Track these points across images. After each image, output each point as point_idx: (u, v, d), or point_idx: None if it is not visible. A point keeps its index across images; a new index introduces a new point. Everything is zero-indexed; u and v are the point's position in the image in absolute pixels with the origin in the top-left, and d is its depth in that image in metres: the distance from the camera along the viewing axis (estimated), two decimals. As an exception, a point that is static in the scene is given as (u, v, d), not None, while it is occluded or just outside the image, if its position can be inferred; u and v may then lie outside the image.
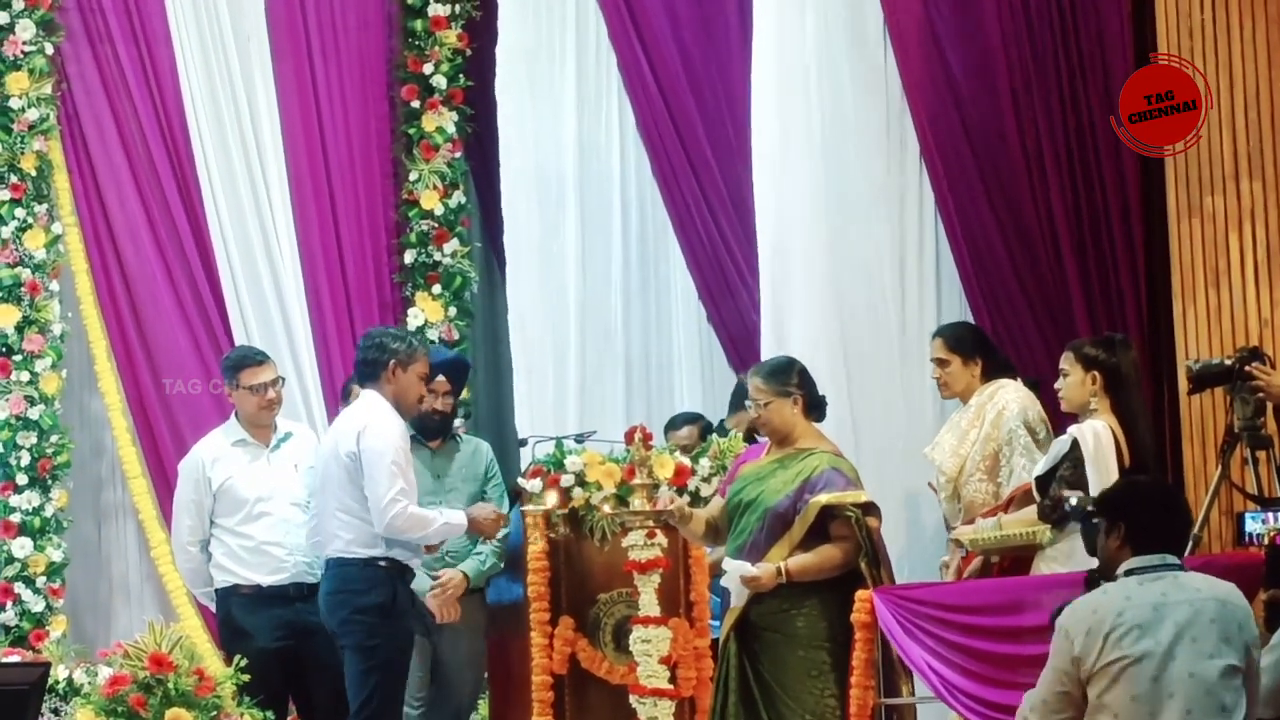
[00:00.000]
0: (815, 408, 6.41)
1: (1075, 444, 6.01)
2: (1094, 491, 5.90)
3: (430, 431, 6.88)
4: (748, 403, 6.40)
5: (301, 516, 6.80)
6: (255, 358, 7.13)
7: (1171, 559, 4.62)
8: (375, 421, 6.41)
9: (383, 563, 6.40)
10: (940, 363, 6.71)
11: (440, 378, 6.79)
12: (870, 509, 6.18)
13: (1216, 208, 6.90)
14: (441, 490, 6.82)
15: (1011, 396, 6.55)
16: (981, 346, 6.74)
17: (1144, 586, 4.56)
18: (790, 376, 6.33)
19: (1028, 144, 7.70)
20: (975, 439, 6.50)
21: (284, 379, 7.23)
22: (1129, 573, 4.61)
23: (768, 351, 7.55)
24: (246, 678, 6.35)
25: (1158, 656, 4.47)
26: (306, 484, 6.84)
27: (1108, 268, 7.60)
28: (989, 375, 6.68)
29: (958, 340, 6.74)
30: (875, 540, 6.18)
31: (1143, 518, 4.66)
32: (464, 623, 6.88)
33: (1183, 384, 6.67)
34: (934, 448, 6.64)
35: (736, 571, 6.06)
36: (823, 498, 6.08)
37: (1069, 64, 7.66)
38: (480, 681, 7.14)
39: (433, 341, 8.20)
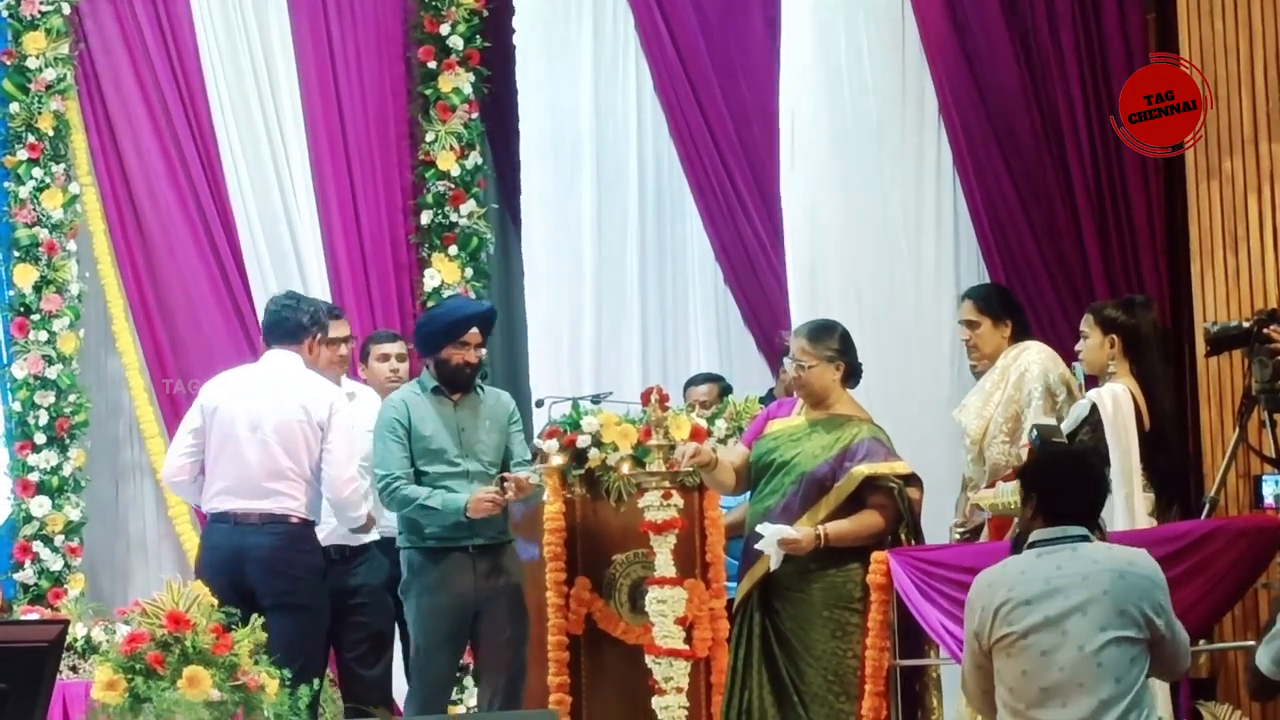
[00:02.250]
0: (854, 375, 6.41)
1: (1094, 408, 6.01)
2: (1113, 456, 5.90)
3: (458, 384, 6.56)
4: (787, 361, 6.39)
5: (357, 478, 6.61)
6: (334, 311, 7.03)
7: (1074, 530, 4.54)
8: (340, 393, 6.55)
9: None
10: (970, 324, 6.62)
11: (474, 330, 6.57)
12: (911, 480, 6.18)
13: (1235, 170, 6.87)
14: (465, 443, 6.52)
15: (1035, 359, 6.49)
16: (1011, 308, 6.67)
17: (1041, 559, 4.50)
18: (838, 343, 6.31)
19: (1045, 106, 7.67)
20: (999, 401, 6.46)
21: (356, 338, 7.19)
22: (1032, 545, 4.56)
23: (798, 314, 7.59)
24: (264, 636, 6.36)
25: (1048, 631, 4.41)
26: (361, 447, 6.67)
27: (1126, 230, 7.59)
28: (1017, 337, 6.63)
29: (988, 302, 6.66)
30: (915, 512, 6.18)
31: (1052, 489, 4.59)
32: (503, 581, 6.52)
33: (1200, 346, 6.65)
34: (960, 410, 6.60)
35: (775, 535, 6.03)
36: (864, 468, 6.07)
37: (1087, 25, 7.63)
38: (525, 640, 6.56)
39: (455, 294, 8.17)
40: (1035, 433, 5.83)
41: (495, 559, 6.46)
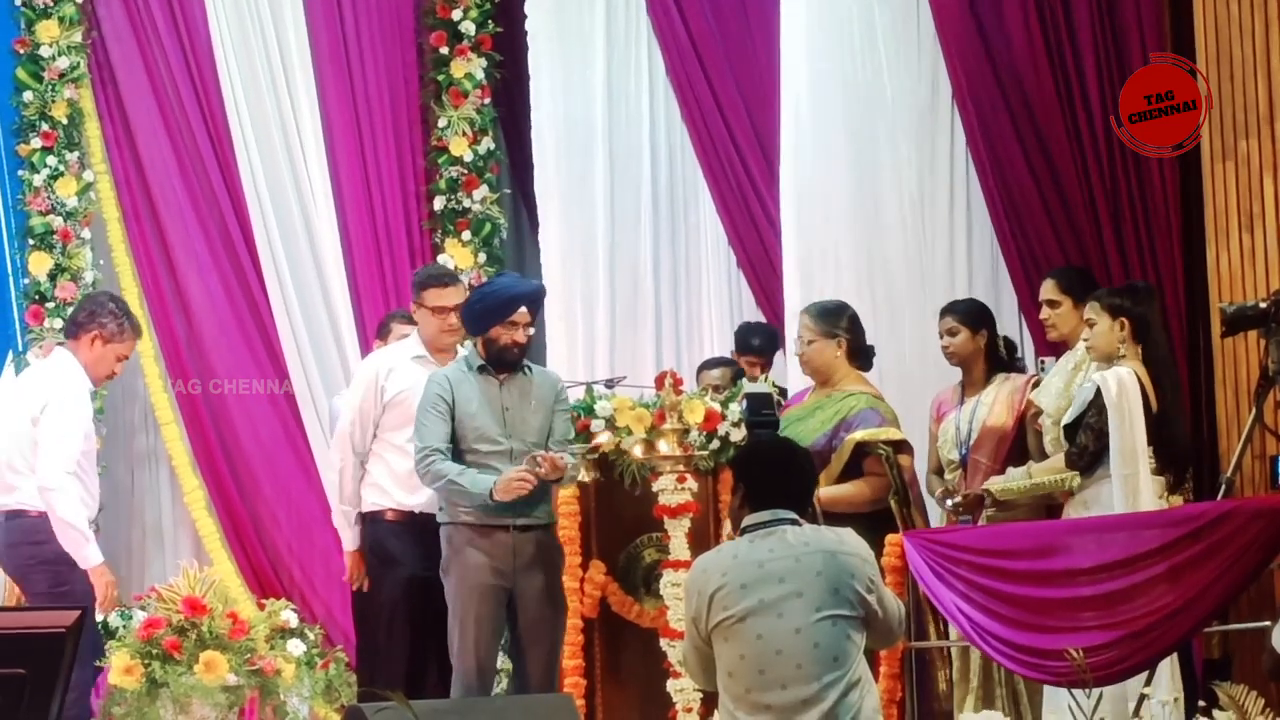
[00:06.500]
0: (860, 355, 6.45)
1: (1099, 391, 6.01)
2: (1114, 438, 5.91)
3: (505, 364, 6.36)
4: (795, 340, 6.43)
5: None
6: (442, 279, 6.73)
7: (784, 514, 4.60)
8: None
9: None
10: (1051, 304, 6.64)
11: (523, 309, 6.36)
12: (903, 447, 6.23)
13: (1251, 151, 6.86)
14: (509, 423, 6.31)
15: None
16: (1091, 290, 6.65)
17: (754, 544, 4.56)
18: (838, 319, 6.39)
19: (1060, 86, 7.66)
20: (1082, 381, 6.46)
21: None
22: (744, 531, 4.62)
23: (790, 295, 7.61)
24: (283, 620, 6.37)
25: (762, 614, 4.47)
26: None
27: (1141, 211, 7.57)
28: None
29: (1071, 282, 6.67)
30: (906, 479, 6.22)
31: (758, 477, 4.66)
32: (542, 562, 6.34)
33: (1216, 327, 6.65)
34: (1040, 391, 6.60)
35: None
36: (858, 434, 6.16)
37: (1102, 4, 7.61)
38: (562, 631, 6.43)
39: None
40: (745, 403, 5.97)
41: (537, 540, 6.30)
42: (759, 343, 7.74)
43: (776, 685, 4.43)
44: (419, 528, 6.54)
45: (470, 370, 6.35)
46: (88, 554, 6.48)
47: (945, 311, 6.89)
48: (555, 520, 6.44)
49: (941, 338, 6.84)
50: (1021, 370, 6.89)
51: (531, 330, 6.42)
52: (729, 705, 4.51)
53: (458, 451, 6.25)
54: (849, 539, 4.63)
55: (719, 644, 4.53)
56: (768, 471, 4.67)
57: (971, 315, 6.82)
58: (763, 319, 8.20)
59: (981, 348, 6.78)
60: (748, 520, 4.62)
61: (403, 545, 6.56)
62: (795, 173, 7.96)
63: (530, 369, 6.43)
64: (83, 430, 6.53)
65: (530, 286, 6.64)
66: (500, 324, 6.30)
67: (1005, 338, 6.97)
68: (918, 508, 6.33)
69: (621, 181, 8.49)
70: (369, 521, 6.67)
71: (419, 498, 6.55)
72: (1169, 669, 5.76)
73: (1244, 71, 6.84)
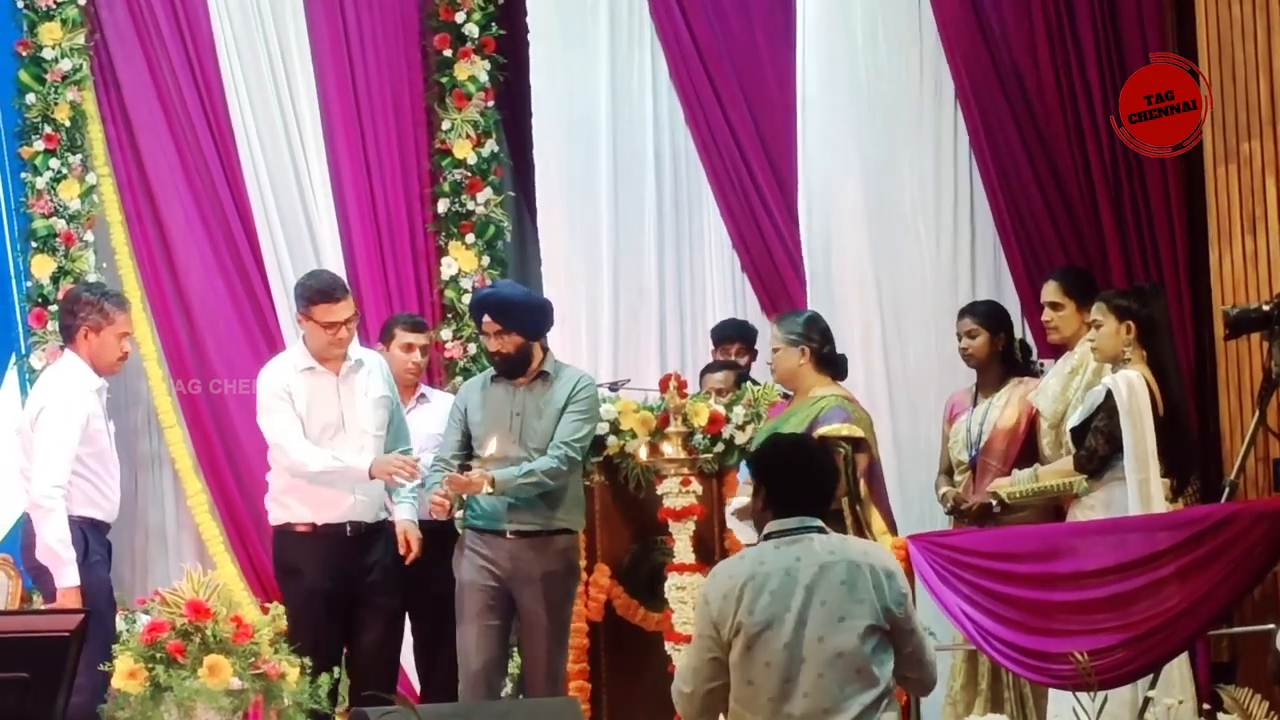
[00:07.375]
0: (828, 363, 6.45)
1: (1109, 394, 6.01)
2: (1127, 442, 5.90)
3: (502, 371, 6.44)
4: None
5: (371, 448, 6.50)
6: (332, 294, 6.54)
7: (811, 521, 4.55)
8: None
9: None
10: (1054, 305, 6.65)
11: (485, 318, 6.41)
12: (861, 446, 6.24)
13: (1253, 153, 6.86)
14: (514, 429, 6.37)
15: None
16: (1094, 294, 6.64)
17: (779, 551, 4.51)
18: (801, 327, 6.41)
19: (1063, 88, 7.66)
20: (1078, 385, 6.46)
21: (358, 315, 6.79)
22: (768, 536, 4.57)
23: (813, 301, 7.63)
24: (283, 627, 6.36)
25: (788, 622, 4.42)
26: (377, 415, 6.55)
27: (1144, 213, 7.57)
28: None
29: (1075, 285, 6.67)
30: (859, 476, 6.23)
31: (780, 480, 4.60)
32: (540, 569, 6.37)
33: (1219, 330, 6.64)
34: (1038, 394, 6.60)
35: (732, 511, 6.16)
36: (820, 430, 6.18)
37: (1104, 7, 7.61)
38: (561, 638, 6.47)
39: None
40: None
41: (535, 546, 6.34)
42: (731, 331, 7.85)
43: (799, 694, 4.40)
44: (326, 540, 6.53)
45: (486, 380, 6.48)
46: (64, 575, 6.27)
47: (965, 313, 6.89)
48: (567, 528, 6.41)
49: (960, 339, 6.84)
50: (1036, 374, 6.89)
51: (507, 338, 6.37)
52: (745, 716, 4.46)
53: (472, 458, 6.36)
54: (876, 551, 4.61)
55: (739, 650, 4.46)
56: (790, 476, 4.60)
57: (991, 317, 6.83)
58: (767, 322, 8.20)
59: (999, 350, 6.78)
60: (773, 526, 4.57)
61: (307, 556, 6.54)
62: (808, 176, 7.98)
63: (554, 373, 6.43)
64: (75, 438, 6.37)
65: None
66: (482, 335, 6.48)
67: (1021, 341, 6.97)
68: (880, 508, 6.33)
69: (625, 184, 8.49)
70: (276, 534, 6.66)
71: (327, 513, 6.52)
72: (1179, 671, 5.76)
73: (1246, 73, 6.84)
